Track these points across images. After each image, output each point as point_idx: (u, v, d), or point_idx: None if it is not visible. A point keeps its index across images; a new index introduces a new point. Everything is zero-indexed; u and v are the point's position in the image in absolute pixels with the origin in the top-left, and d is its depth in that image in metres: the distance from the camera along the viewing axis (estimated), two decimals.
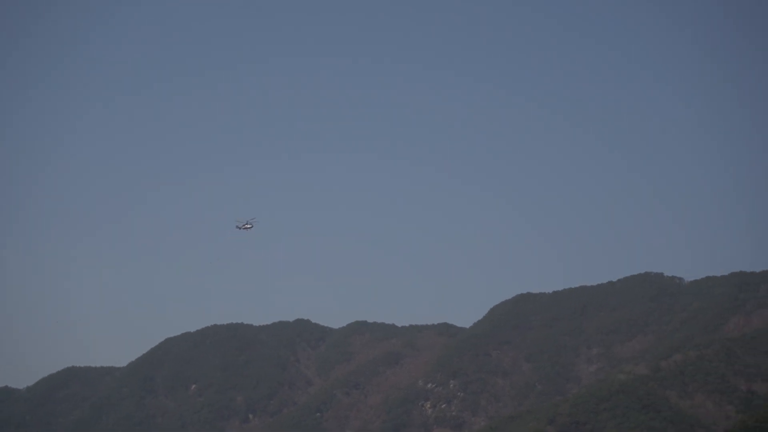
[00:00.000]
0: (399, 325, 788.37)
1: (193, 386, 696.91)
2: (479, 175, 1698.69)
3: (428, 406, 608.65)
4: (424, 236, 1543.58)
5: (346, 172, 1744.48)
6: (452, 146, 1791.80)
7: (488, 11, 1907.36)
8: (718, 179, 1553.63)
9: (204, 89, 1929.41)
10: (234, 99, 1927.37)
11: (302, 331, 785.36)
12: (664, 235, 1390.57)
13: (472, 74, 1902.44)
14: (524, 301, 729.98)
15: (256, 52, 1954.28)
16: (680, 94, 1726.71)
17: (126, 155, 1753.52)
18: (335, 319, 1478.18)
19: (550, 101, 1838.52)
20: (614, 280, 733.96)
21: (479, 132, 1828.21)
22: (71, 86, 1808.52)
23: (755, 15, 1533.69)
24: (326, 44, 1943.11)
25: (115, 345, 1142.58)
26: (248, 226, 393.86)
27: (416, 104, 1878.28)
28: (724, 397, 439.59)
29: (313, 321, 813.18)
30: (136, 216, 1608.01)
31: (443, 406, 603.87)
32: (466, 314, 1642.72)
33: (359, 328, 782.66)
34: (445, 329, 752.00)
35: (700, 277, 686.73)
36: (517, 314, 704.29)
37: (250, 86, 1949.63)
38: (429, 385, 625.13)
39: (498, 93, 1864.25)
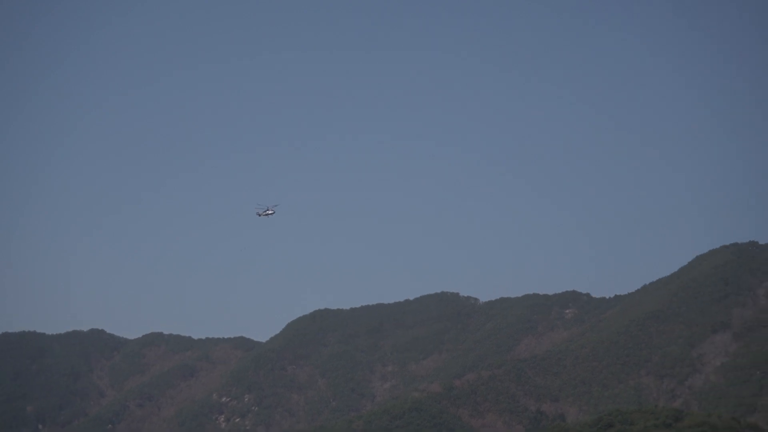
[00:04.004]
0: (195, 337, 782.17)
1: None
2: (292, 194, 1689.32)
3: (222, 419, 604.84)
4: (223, 248, 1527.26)
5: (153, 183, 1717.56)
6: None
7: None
8: (515, 204, 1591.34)
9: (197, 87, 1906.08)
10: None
11: (96, 341, 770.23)
12: (460, 255, 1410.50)
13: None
14: (321, 316, 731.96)
15: (257, 45, 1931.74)
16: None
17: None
18: (131, 330, 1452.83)
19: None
20: (411, 298, 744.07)
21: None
22: (75, 81, 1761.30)
23: None
24: (330, 38, 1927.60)
25: None
26: (270, 212, 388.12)
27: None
28: (514, 417, 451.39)
29: (108, 331, 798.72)
30: None
31: (237, 419, 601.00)
32: (263, 328, 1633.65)
33: (155, 339, 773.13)
34: (242, 343, 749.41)
35: (495, 298, 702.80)
36: (314, 330, 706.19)
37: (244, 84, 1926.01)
38: (223, 399, 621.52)
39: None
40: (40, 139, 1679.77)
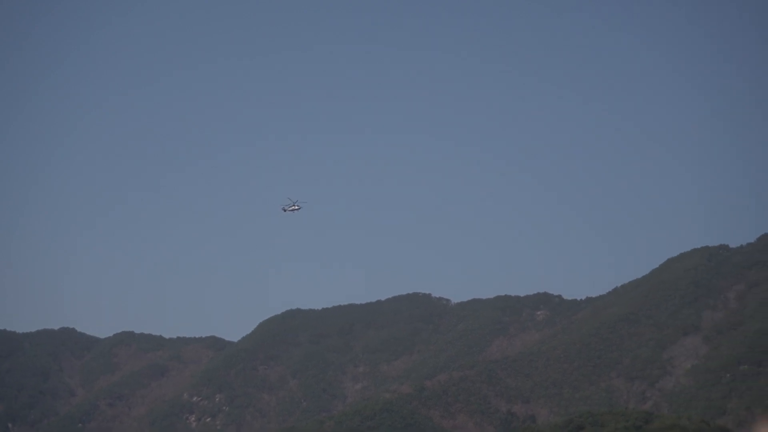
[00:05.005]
0: (166, 336, 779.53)
1: None
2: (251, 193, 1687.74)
3: (193, 419, 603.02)
4: (194, 247, 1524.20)
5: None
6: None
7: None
8: (487, 206, 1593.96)
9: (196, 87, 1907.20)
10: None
11: (67, 340, 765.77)
12: (433, 256, 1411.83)
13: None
14: (293, 316, 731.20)
15: (257, 45, 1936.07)
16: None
17: None
18: (101, 329, 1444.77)
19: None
20: (383, 299, 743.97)
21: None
22: (75, 81, 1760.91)
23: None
24: (330, 37, 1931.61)
25: None
26: (295, 207, 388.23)
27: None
28: (485, 418, 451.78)
29: (79, 330, 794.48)
30: None
31: (208, 419, 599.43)
32: (235, 328, 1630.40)
33: (125, 338, 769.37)
34: (213, 342, 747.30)
35: (467, 299, 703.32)
36: (286, 330, 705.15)
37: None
38: (194, 399, 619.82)
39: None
40: (40, 139, 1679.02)
